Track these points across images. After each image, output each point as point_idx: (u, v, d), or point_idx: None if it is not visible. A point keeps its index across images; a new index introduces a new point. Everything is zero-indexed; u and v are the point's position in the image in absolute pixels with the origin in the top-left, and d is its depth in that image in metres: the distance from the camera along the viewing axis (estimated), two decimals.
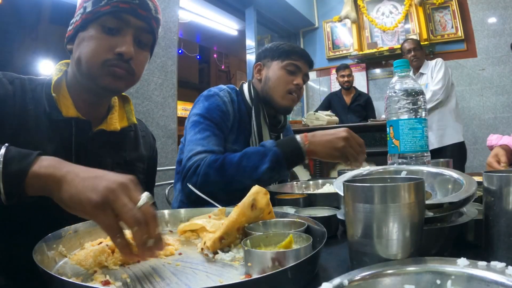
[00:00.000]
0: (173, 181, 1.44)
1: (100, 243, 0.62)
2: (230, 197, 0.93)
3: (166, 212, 0.79)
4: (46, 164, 0.53)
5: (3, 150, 0.52)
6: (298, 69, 1.28)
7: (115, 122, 0.89)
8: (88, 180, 0.50)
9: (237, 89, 1.35)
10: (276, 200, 0.96)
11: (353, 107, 3.86)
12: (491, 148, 1.51)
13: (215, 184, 1.01)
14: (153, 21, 0.84)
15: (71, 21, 0.84)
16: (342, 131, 1.03)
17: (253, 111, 1.28)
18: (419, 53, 2.96)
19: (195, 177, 1.04)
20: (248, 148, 1.07)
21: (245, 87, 1.34)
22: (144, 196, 0.51)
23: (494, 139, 1.49)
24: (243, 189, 0.88)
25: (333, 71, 4.53)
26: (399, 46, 3.73)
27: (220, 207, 0.82)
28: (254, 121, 1.26)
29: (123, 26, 0.79)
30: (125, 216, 0.48)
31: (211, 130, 1.16)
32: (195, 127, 1.17)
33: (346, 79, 3.86)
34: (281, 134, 1.46)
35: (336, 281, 0.38)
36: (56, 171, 0.52)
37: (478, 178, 0.66)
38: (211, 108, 1.19)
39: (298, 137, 1.04)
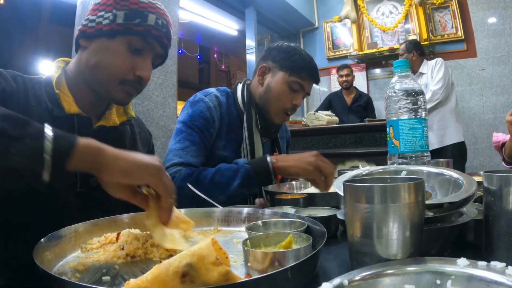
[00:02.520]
0: None
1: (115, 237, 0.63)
2: (207, 205, 0.92)
3: None
4: (94, 140, 0.56)
5: (47, 126, 0.53)
6: (302, 89, 1.23)
7: (114, 117, 0.90)
8: (138, 155, 0.59)
9: (230, 91, 1.30)
10: (276, 200, 0.96)
11: (354, 108, 3.86)
12: (498, 143, 1.50)
13: (189, 197, 0.96)
14: (169, 48, 0.91)
15: (92, 18, 0.82)
16: (312, 152, 1.06)
17: (244, 117, 1.23)
18: (409, 56, 2.96)
19: None
20: (222, 164, 1.07)
21: (239, 89, 1.29)
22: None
23: (500, 135, 1.49)
24: (218, 202, 0.88)
25: (333, 71, 4.54)
26: (399, 46, 3.72)
27: (220, 206, 0.82)
28: (245, 127, 1.22)
29: (147, 50, 0.84)
30: (170, 185, 0.62)
31: (191, 140, 1.13)
32: (177, 136, 1.16)
33: (344, 79, 3.86)
34: (278, 136, 1.41)
35: (336, 281, 0.38)
36: (107, 146, 0.57)
37: (478, 178, 0.66)
38: (194, 116, 1.16)
39: (268, 156, 1.07)
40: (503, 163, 1.51)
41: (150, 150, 1.06)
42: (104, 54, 0.81)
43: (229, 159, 1.14)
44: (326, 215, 0.75)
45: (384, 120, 0.85)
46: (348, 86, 3.88)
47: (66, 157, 0.52)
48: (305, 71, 1.21)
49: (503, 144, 1.46)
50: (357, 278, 0.39)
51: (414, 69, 2.99)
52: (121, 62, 0.81)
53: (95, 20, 0.82)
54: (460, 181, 0.62)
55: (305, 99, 4.76)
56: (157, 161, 0.60)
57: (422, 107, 0.79)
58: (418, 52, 3.01)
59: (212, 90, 1.26)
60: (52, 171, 0.51)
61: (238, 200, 1.07)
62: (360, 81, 4.35)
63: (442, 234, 0.55)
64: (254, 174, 1.03)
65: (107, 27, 0.80)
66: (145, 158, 0.59)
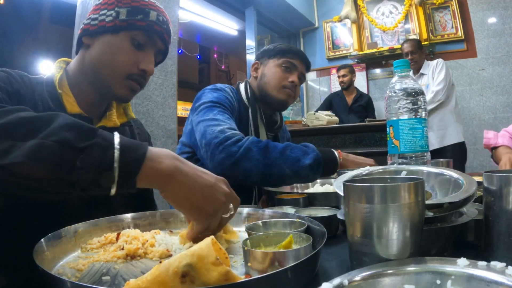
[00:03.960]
0: None
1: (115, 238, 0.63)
2: (262, 181, 1.02)
3: (163, 212, 0.79)
4: (164, 154, 0.54)
5: (117, 136, 0.50)
6: (294, 67, 1.30)
7: (114, 118, 0.91)
8: (207, 189, 0.56)
9: (234, 88, 1.35)
10: (276, 200, 0.96)
11: (355, 108, 3.86)
12: (488, 146, 1.51)
13: (255, 161, 0.98)
14: (169, 45, 0.92)
15: (94, 17, 0.83)
16: (370, 160, 1.18)
17: (249, 111, 1.29)
18: (416, 56, 2.96)
19: (235, 147, 0.98)
20: (290, 143, 1.08)
21: (242, 86, 1.35)
22: (232, 207, 0.61)
23: (492, 137, 1.50)
24: (280, 176, 0.98)
25: (334, 71, 4.53)
26: (399, 46, 3.73)
27: None
28: (251, 120, 1.27)
29: (149, 45, 0.85)
30: (219, 227, 0.61)
31: (229, 114, 1.15)
32: (212, 110, 1.13)
33: (341, 79, 3.87)
34: (278, 135, 1.45)
35: (336, 281, 0.38)
36: (171, 168, 0.53)
37: (478, 178, 0.66)
38: (220, 98, 1.19)
39: (334, 151, 1.11)
40: (491, 159, 1.53)
41: None
42: (108, 49, 0.82)
43: None
44: (326, 215, 0.75)
45: (384, 120, 0.85)
46: (345, 86, 3.88)
47: (135, 174, 0.49)
48: (292, 53, 1.31)
49: (494, 147, 1.48)
50: (357, 278, 0.39)
51: (419, 66, 2.98)
52: (125, 56, 0.82)
53: (97, 18, 0.83)
54: (460, 181, 0.62)
55: (305, 99, 4.76)
56: (228, 188, 0.60)
57: (422, 107, 0.79)
58: (424, 50, 3.03)
59: (224, 85, 1.31)
60: (120, 187, 0.49)
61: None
62: (360, 81, 4.35)
63: (442, 234, 0.55)
64: (323, 161, 1.04)
65: (111, 24, 0.81)
66: (216, 196, 0.57)
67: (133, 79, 0.84)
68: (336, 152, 1.09)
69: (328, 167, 1.06)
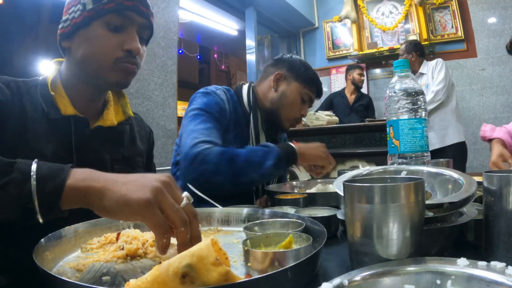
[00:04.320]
0: None
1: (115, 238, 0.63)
2: (234, 190, 1.07)
3: None
4: (82, 176, 0.50)
5: (34, 166, 0.49)
6: (310, 101, 1.35)
7: (112, 117, 0.89)
8: (131, 183, 0.49)
9: (232, 90, 1.34)
10: (276, 200, 0.96)
11: (356, 107, 3.86)
12: (484, 138, 1.52)
13: (224, 174, 1.03)
14: (151, 17, 0.87)
15: (65, 18, 0.82)
16: (320, 144, 1.26)
17: (251, 117, 1.28)
18: (409, 57, 2.96)
19: (204, 165, 1.03)
20: (250, 146, 1.14)
21: (245, 90, 1.33)
22: (185, 195, 0.51)
23: (488, 129, 1.50)
24: (249, 182, 1.08)
25: (334, 71, 4.54)
26: (399, 46, 3.72)
27: (220, 206, 0.82)
28: (252, 127, 1.27)
29: (127, 24, 0.81)
30: (173, 216, 0.48)
31: (212, 123, 1.16)
32: (196, 119, 1.16)
33: (362, 78, 3.88)
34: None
35: (336, 281, 0.38)
36: (94, 182, 0.49)
37: (478, 178, 0.66)
38: (210, 104, 1.20)
39: (291, 142, 1.19)
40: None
41: (149, 146, 1.05)
42: (87, 44, 0.79)
43: None
44: (326, 215, 0.75)
45: (384, 120, 0.85)
46: (362, 85, 3.90)
47: (55, 203, 0.48)
48: (315, 86, 1.34)
49: (490, 139, 1.49)
50: (357, 278, 0.39)
51: (414, 69, 2.99)
52: (105, 43, 0.79)
53: (68, 18, 0.81)
54: (460, 181, 0.62)
55: None
56: (149, 192, 0.47)
57: (422, 107, 0.79)
58: (418, 53, 3.01)
59: (219, 86, 1.30)
60: (43, 214, 0.48)
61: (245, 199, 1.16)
62: None
63: (442, 234, 0.55)
64: (284, 156, 1.11)
65: (80, 18, 0.79)
66: (134, 190, 0.48)
67: (123, 62, 0.81)
68: (293, 144, 1.17)
69: (289, 160, 1.15)
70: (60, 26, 0.83)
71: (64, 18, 0.83)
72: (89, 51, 0.79)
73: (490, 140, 1.50)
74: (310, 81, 1.31)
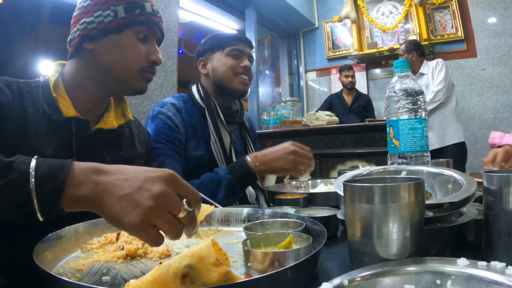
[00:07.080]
0: None
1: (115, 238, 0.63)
2: None
3: None
4: (81, 179, 0.49)
5: (33, 165, 0.48)
6: (241, 52, 1.31)
7: (112, 120, 0.90)
8: (125, 199, 0.47)
9: (186, 95, 1.33)
10: (276, 200, 0.96)
11: (354, 108, 3.86)
12: (493, 146, 1.51)
13: None
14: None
15: (90, 20, 0.82)
16: (288, 145, 1.12)
17: (206, 111, 1.27)
18: (409, 57, 2.96)
19: None
20: (204, 176, 1.11)
21: (194, 89, 1.34)
22: (185, 203, 0.48)
23: (496, 137, 1.50)
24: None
25: (334, 71, 4.53)
26: (399, 46, 3.72)
27: (220, 206, 0.82)
28: (209, 120, 1.25)
29: (151, 36, 0.90)
30: (167, 232, 0.48)
31: (163, 154, 1.14)
32: (157, 159, 1.14)
33: (350, 79, 3.87)
34: (244, 121, 1.43)
35: (336, 281, 0.38)
36: (92, 192, 0.48)
37: (478, 179, 0.66)
38: (158, 129, 1.18)
39: (249, 159, 1.11)
40: None
41: (148, 150, 1.06)
42: (118, 49, 0.84)
43: (203, 157, 1.21)
44: (326, 215, 0.75)
45: (384, 120, 0.85)
46: (352, 86, 3.89)
47: (56, 203, 0.47)
48: (232, 39, 1.32)
49: (499, 146, 1.48)
50: (357, 278, 0.39)
51: (414, 69, 2.99)
52: (135, 52, 0.86)
53: (94, 21, 0.82)
54: (460, 181, 0.62)
55: (305, 99, 4.76)
56: (142, 214, 0.46)
57: (422, 107, 0.79)
58: (418, 52, 3.01)
59: (168, 99, 1.29)
60: (45, 215, 0.47)
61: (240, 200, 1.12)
62: (360, 81, 4.35)
63: (442, 234, 0.55)
64: (237, 183, 1.08)
65: (112, 24, 0.82)
66: (128, 211, 0.46)
67: (146, 71, 0.88)
68: (250, 161, 1.10)
69: (244, 183, 1.11)
70: (80, 27, 0.83)
71: (86, 20, 0.83)
72: (120, 57, 0.85)
73: (499, 147, 1.50)
74: (225, 40, 1.31)
